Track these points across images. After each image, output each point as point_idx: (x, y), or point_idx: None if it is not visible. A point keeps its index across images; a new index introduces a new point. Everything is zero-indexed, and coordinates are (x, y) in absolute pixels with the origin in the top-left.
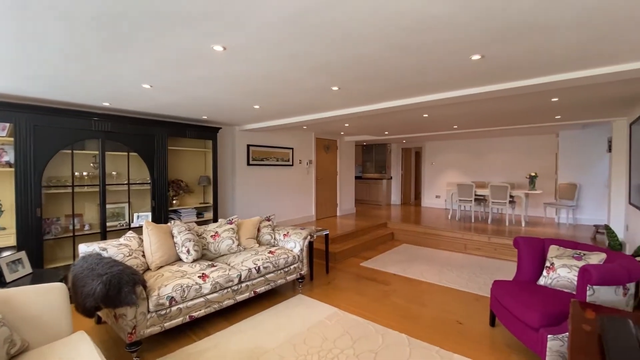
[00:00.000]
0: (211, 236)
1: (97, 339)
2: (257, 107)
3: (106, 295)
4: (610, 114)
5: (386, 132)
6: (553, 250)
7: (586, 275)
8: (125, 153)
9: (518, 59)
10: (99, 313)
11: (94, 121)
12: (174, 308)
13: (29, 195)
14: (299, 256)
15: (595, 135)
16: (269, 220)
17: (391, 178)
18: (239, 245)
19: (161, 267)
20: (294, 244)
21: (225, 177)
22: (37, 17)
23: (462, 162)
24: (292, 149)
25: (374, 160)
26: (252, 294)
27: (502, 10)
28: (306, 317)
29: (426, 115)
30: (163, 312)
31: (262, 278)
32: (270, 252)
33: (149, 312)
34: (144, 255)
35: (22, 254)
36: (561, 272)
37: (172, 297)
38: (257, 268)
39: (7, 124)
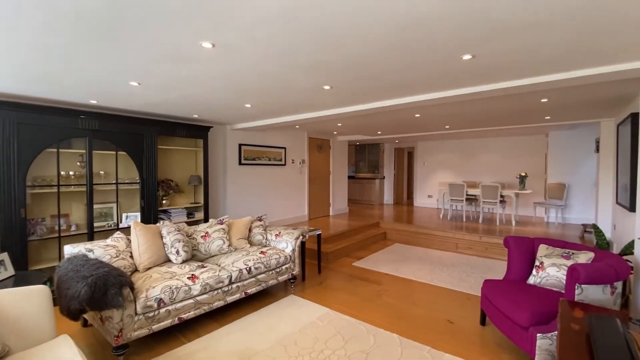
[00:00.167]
0: (201, 237)
1: (83, 343)
2: (248, 105)
3: (91, 297)
4: (598, 115)
5: (379, 132)
6: (542, 249)
7: (574, 275)
8: (114, 152)
9: (509, 59)
10: (85, 316)
11: (81, 119)
12: (162, 310)
13: (13, 195)
14: (290, 256)
15: (583, 135)
16: (260, 220)
17: (384, 178)
18: (229, 245)
19: (150, 268)
20: (286, 244)
21: (217, 176)
22: (17, 9)
23: (454, 162)
24: (285, 148)
25: (367, 160)
26: (243, 295)
27: (493, 9)
28: (298, 318)
29: (418, 115)
30: (151, 314)
31: (253, 279)
32: (262, 252)
33: (136, 314)
34: (132, 257)
35: (4, 256)
36: (550, 271)
37: (161, 299)
38: (248, 269)
39: None
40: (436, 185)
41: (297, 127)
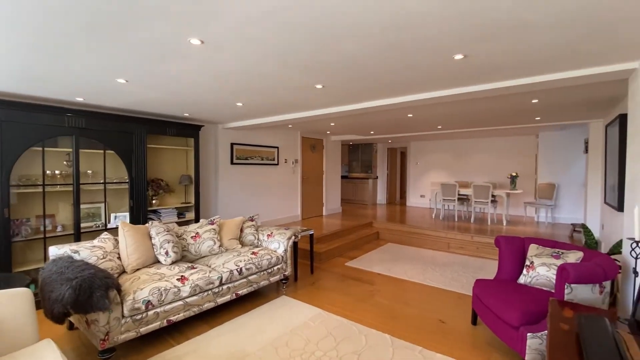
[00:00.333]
0: (191, 237)
1: (69, 346)
2: (240, 104)
3: (76, 300)
4: (587, 116)
5: (372, 132)
6: (533, 249)
7: (564, 274)
8: (101, 151)
9: (500, 59)
10: (70, 319)
11: (67, 117)
12: (150, 312)
13: None
14: (282, 257)
15: (572, 136)
16: (252, 220)
17: (377, 178)
18: (220, 246)
19: (138, 269)
20: (278, 244)
21: (208, 176)
22: None
23: (446, 162)
24: (278, 147)
25: (360, 160)
26: (234, 296)
27: (485, 8)
28: (289, 319)
29: (411, 115)
30: (139, 316)
31: (245, 280)
32: (253, 253)
33: (123, 317)
34: (119, 258)
35: None
36: (540, 271)
37: (149, 301)
38: (239, 269)
39: None
40: (429, 185)
41: (290, 126)
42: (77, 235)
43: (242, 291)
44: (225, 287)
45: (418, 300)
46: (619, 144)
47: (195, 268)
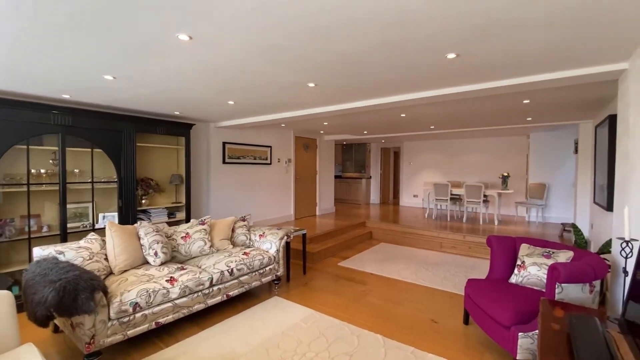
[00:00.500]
0: (181, 237)
1: (54, 349)
2: (231, 102)
3: (59, 303)
4: (577, 116)
5: (365, 132)
6: (524, 248)
7: (555, 274)
8: (89, 149)
9: (492, 59)
10: (55, 321)
11: (53, 115)
12: (138, 314)
13: None
14: (275, 257)
15: (563, 137)
16: (244, 220)
17: (370, 177)
18: (211, 246)
19: (126, 271)
20: (270, 244)
21: (200, 175)
22: None
23: (439, 162)
24: (271, 147)
25: (353, 160)
26: (225, 298)
27: (478, 6)
28: (281, 320)
29: (403, 115)
30: (126, 319)
31: (236, 280)
32: (245, 253)
33: (109, 319)
34: (106, 259)
35: None
36: (531, 270)
37: (137, 303)
38: (230, 270)
39: None
40: (421, 185)
41: (283, 125)
42: (64, 236)
43: (233, 292)
44: (215, 288)
45: (410, 300)
46: (609, 144)
47: (185, 269)
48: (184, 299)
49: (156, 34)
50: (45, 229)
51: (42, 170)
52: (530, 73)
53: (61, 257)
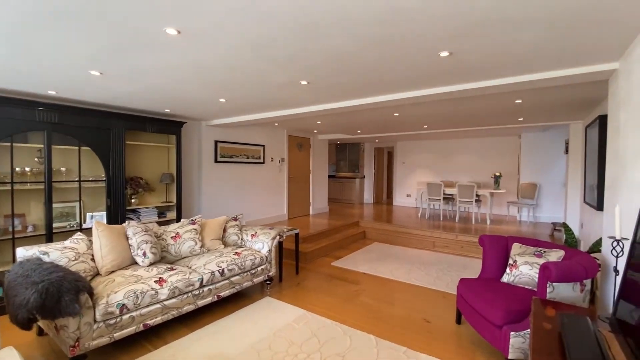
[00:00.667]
0: (171, 237)
1: (38, 352)
2: (223, 100)
3: (42, 305)
4: (568, 117)
5: (359, 131)
6: (516, 248)
7: (547, 273)
8: (76, 147)
9: (485, 58)
10: (39, 324)
11: (39, 111)
12: (125, 316)
13: None
14: (267, 257)
15: (554, 137)
16: (236, 220)
17: (364, 177)
18: (202, 246)
19: (113, 271)
20: (262, 244)
21: (191, 174)
22: None
23: (432, 162)
24: (264, 146)
25: (347, 159)
26: (216, 298)
27: (471, 3)
28: (273, 321)
29: (397, 115)
30: (112, 321)
31: (227, 281)
32: (236, 253)
33: (95, 322)
34: (93, 259)
35: None
36: (523, 269)
37: (124, 305)
38: (221, 271)
39: None
40: (415, 184)
41: (276, 124)
42: (49, 236)
43: (224, 293)
44: (206, 289)
45: (403, 299)
46: (599, 144)
47: (175, 269)
48: (173, 300)
49: (143, 27)
50: (30, 228)
51: (27, 169)
52: (522, 72)
53: (45, 258)
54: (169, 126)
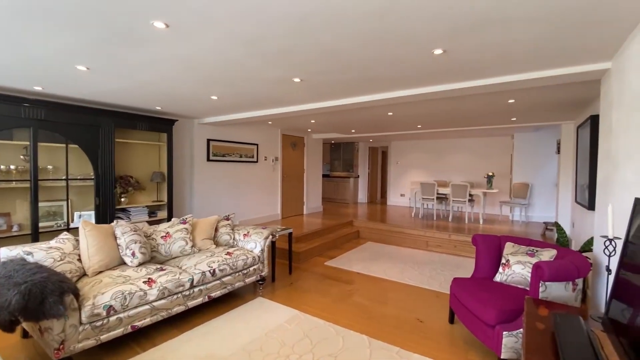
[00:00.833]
0: (162, 237)
1: (22, 355)
2: (214, 97)
3: (25, 307)
4: (560, 117)
5: (353, 131)
6: (508, 247)
7: (539, 272)
8: (63, 145)
9: (479, 56)
10: (24, 326)
11: (24, 108)
12: (112, 318)
13: None
14: (259, 257)
15: (546, 137)
16: (227, 219)
17: (358, 177)
18: (193, 246)
19: (101, 272)
20: (255, 244)
21: (183, 173)
22: None
23: (426, 161)
24: (257, 145)
25: (341, 159)
26: (207, 299)
27: (468, 3)
28: (265, 321)
29: (391, 114)
30: (99, 323)
31: (218, 281)
32: (228, 253)
33: (81, 324)
34: (80, 260)
35: None
36: (516, 269)
37: (111, 306)
38: (212, 271)
39: None
40: (409, 184)
41: (270, 123)
42: (35, 236)
43: (216, 293)
44: (197, 289)
45: (396, 299)
46: (590, 144)
47: (165, 270)
48: (163, 301)
49: (129, 20)
50: (15, 228)
51: (12, 166)
52: (516, 72)
53: (29, 258)
54: (160, 124)
